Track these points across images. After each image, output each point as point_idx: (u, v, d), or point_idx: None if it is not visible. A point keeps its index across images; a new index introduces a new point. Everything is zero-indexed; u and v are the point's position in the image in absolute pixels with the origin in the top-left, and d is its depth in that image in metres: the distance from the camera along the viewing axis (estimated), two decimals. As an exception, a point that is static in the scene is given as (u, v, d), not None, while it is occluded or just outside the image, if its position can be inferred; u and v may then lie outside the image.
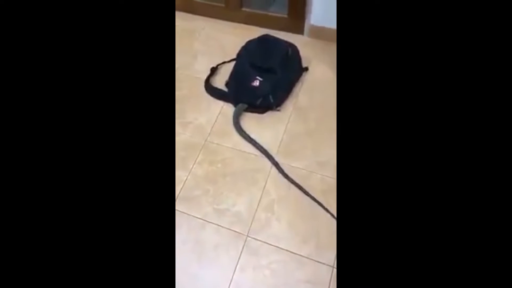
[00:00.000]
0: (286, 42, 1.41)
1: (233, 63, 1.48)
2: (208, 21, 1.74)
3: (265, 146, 1.27)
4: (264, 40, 1.41)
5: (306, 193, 1.15)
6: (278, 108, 1.35)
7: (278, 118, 1.36)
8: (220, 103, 1.42)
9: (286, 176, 1.19)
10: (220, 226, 1.12)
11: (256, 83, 1.34)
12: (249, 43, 1.45)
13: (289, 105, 1.40)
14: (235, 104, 1.37)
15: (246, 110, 1.35)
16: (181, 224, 1.14)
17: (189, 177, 1.24)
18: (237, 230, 1.11)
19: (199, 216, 1.15)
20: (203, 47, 1.63)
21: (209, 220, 1.14)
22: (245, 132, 1.30)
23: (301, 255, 1.05)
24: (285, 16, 1.58)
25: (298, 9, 1.53)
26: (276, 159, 1.24)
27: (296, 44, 1.48)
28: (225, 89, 1.43)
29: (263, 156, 1.26)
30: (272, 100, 1.32)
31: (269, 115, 1.37)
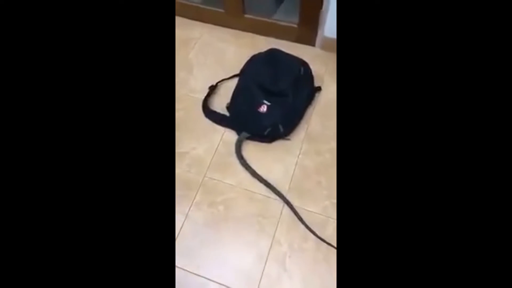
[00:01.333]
0: (297, 59, 1.22)
1: (235, 80, 1.29)
2: (205, 27, 1.52)
3: (274, 183, 1.10)
4: (272, 56, 1.21)
5: (326, 243, 0.99)
6: (287, 137, 1.18)
7: (288, 149, 1.18)
8: (221, 128, 1.23)
9: (301, 220, 1.03)
10: (223, 285, 0.96)
11: (263, 108, 1.16)
12: (255, 58, 1.25)
13: (300, 132, 1.22)
14: (238, 132, 1.18)
15: (251, 138, 1.17)
16: (180, 283, 0.97)
17: (185, 222, 1.06)
18: (243, 291, 0.95)
19: (199, 273, 0.98)
20: (200, 59, 1.42)
21: (211, 278, 0.97)
22: (250, 167, 1.12)
23: (319, 324, 0.90)
24: (295, 25, 1.38)
25: (311, 18, 1.33)
26: (287, 199, 1.08)
27: (307, 57, 1.29)
28: (226, 113, 1.24)
29: (271, 196, 1.08)
30: (281, 130, 1.14)
31: (277, 145, 1.19)
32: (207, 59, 1.42)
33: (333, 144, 1.19)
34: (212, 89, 1.29)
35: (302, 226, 1.03)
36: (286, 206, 1.07)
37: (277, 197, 1.08)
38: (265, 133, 1.13)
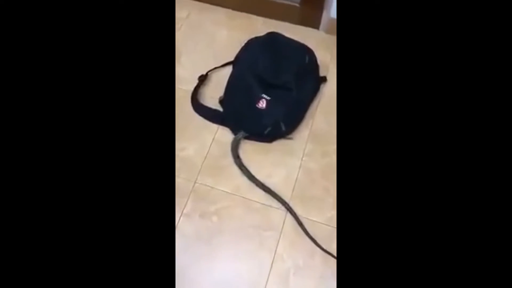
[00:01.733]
0: (301, 45, 1.06)
1: (229, 69, 1.13)
2: (193, 6, 1.32)
3: (275, 189, 0.97)
4: (272, 41, 1.04)
5: (335, 257, 0.88)
6: (289, 137, 1.04)
7: (291, 149, 1.05)
8: (213, 126, 1.08)
9: (305, 231, 0.91)
10: (219, 309, 0.85)
11: (262, 104, 1.00)
12: (252, 43, 1.08)
13: (303, 130, 1.08)
14: (234, 131, 1.04)
15: (248, 137, 1.03)
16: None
17: (175, 235, 0.93)
18: (242, 315, 0.84)
19: (190, 296, 0.86)
20: (188, 44, 1.24)
21: (204, 301, 0.86)
22: (248, 171, 0.99)
23: None
24: (297, 4, 1.20)
25: (316, -3, 1.15)
26: (290, 208, 0.95)
27: (310, 41, 1.13)
28: (219, 108, 1.09)
29: (272, 205, 0.96)
30: (283, 129, 0.99)
31: (278, 145, 1.05)
32: (196, 43, 1.24)
33: (341, 143, 1.06)
34: (202, 79, 1.12)
35: (308, 239, 0.91)
36: (289, 216, 0.95)
37: (279, 206, 0.96)
38: (265, 132, 0.99)
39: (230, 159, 1.02)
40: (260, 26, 1.24)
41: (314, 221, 0.94)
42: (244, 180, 0.99)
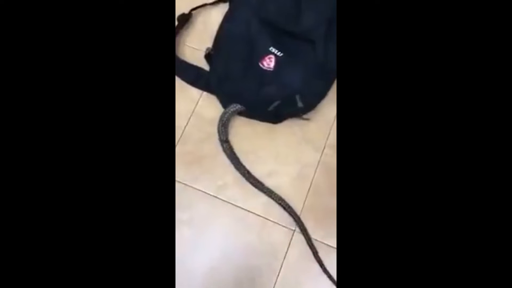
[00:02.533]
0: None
1: (223, 7, 0.77)
2: None
3: (280, 193, 0.66)
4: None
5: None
6: (306, 117, 0.70)
7: (307, 136, 0.71)
8: (195, 92, 0.75)
9: (320, 263, 0.61)
10: None
11: (270, 62, 0.65)
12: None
13: (328, 108, 0.73)
14: (223, 101, 0.70)
15: (244, 114, 0.69)
16: None
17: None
18: None
19: None
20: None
21: None
22: (241, 163, 0.67)
23: None
24: None
25: None
26: (302, 224, 0.65)
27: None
28: (205, 66, 0.74)
29: (274, 219, 0.65)
30: (300, 105, 0.65)
31: (289, 128, 0.72)
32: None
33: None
34: (184, 21, 0.76)
35: (322, 273, 0.62)
36: (297, 237, 0.64)
37: (284, 220, 0.65)
38: (270, 108, 0.65)
39: (215, 144, 0.70)
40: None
41: (334, 247, 0.64)
42: (235, 177, 0.68)
